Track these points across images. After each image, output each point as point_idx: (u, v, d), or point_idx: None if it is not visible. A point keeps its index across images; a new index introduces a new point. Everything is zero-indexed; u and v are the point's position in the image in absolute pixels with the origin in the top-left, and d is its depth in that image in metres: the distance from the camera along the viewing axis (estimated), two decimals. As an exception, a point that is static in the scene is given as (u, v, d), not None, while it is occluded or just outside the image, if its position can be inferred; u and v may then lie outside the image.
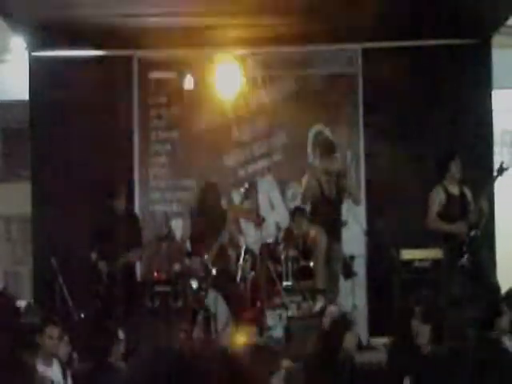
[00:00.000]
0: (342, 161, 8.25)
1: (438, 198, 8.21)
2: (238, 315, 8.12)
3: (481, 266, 8.07)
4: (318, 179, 8.27)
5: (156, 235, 9.26)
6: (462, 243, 7.99)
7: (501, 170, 8.01)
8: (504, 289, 7.29)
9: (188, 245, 8.68)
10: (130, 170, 10.10)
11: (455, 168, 8.20)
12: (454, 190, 8.23)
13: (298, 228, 8.78)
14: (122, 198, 8.71)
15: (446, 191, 8.20)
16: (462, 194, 8.24)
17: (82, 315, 8.04)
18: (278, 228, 9.14)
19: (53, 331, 5.92)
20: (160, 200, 10.20)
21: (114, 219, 8.53)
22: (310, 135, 10.17)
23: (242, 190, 8.76)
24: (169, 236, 8.82)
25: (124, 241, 8.40)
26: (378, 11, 8.51)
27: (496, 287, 7.81)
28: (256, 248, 8.91)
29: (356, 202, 8.84)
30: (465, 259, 7.91)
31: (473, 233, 8.02)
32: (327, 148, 8.80)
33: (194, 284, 8.23)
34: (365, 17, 8.63)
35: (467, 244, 7.97)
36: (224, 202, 9.26)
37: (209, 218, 8.53)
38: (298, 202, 9.62)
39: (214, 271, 8.24)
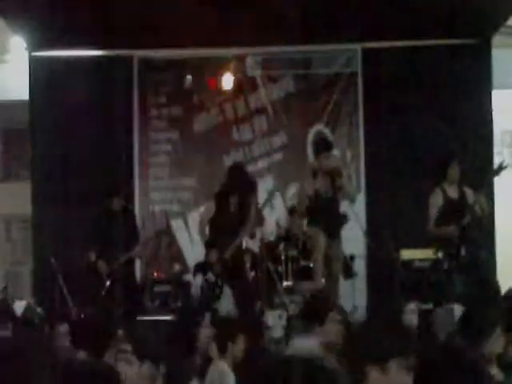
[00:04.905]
0: (339, 159, 8.18)
1: (435, 201, 8.11)
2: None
3: (480, 267, 8.02)
4: (315, 178, 8.24)
5: (155, 230, 9.27)
6: (453, 246, 7.90)
7: (500, 169, 7.94)
8: (504, 289, 7.28)
9: (207, 231, 8.36)
10: (130, 169, 10.10)
11: (453, 173, 8.07)
12: (453, 192, 8.10)
13: (293, 226, 8.77)
14: (121, 197, 8.69)
15: (445, 194, 8.09)
16: (462, 197, 8.13)
17: (82, 315, 8.03)
18: (278, 228, 9.14)
19: None
20: (160, 200, 10.20)
21: (112, 219, 8.51)
22: (310, 135, 10.17)
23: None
24: (168, 231, 8.77)
25: (122, 240, 8.38)
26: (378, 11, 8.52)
27: (496, 288, 7.75)
28: (256, 248, 8.90)
29: (351, 199, 8.68)
30: (460, 261, 7.85)
31: (466, 236, 7.91)
32: (323, 145, 8.75)
33: (211, 278, 8.08)
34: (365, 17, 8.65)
35: (459, 246, 7.87)
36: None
37: (231, 209, 8.12)
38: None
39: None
